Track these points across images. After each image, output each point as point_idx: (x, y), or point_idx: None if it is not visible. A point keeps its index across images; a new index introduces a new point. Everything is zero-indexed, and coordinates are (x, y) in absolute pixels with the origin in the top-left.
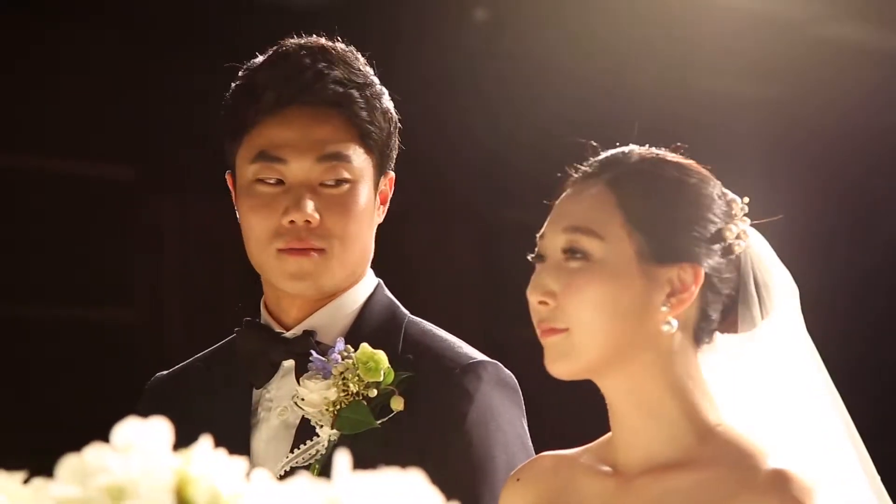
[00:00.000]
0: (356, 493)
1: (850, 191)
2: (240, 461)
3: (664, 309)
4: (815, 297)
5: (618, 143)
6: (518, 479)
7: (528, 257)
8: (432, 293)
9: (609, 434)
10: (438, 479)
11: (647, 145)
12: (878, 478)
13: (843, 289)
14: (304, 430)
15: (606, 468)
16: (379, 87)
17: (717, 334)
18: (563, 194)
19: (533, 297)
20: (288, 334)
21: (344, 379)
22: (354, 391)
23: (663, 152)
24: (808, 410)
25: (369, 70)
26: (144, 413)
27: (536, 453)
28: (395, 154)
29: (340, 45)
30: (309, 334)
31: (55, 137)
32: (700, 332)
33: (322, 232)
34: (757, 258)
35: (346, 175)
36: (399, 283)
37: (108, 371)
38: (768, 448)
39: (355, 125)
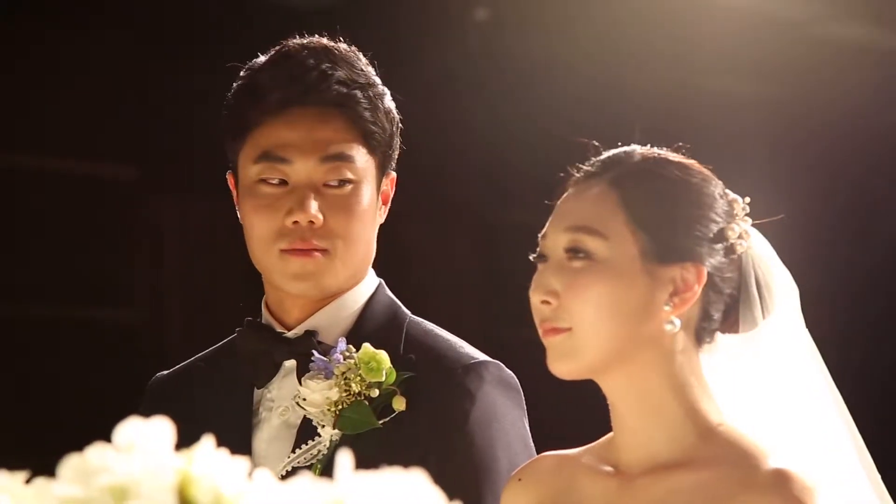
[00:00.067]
0: (359, 493)
1: (850, 191)
2: (242, 461)
3: (667, 308)
4: (815, 297)
5: (619, 143)
6: (520, 480)
7: (531, 257)
8: (432, 293)
9: (610, 434)
10: (440, 479)
11: (649, 145)
12: (879, 477)
13: (843, 289)
14: (306, 430)
15: (608, 468)
16: (381, 87)
17: (719, 334)
18: (566, 194)
19: (535, 297)
20: (289, 334)
21: (346, 379)
22: (356, 391)
23: (665, 152)
24: (808, 410)
25: (371, 70)
26: (146, 413)
27: (538, 453)
28: (396, 154)
29: (343, 46)
30: (311, 334)
31: (55, 137)
32: (702, 332)
33: (325, 232)
34: (758, 258)
35: (350, 175)
36: (399, 283)
37: (108, 371)
38: (770, 448)
39: (358, 126)
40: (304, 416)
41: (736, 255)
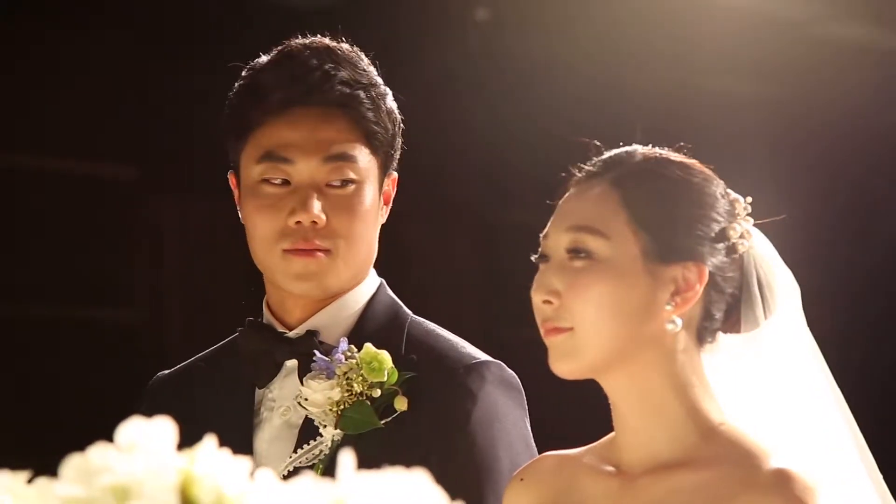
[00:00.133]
0: (361, 493)
1: (850, 191)
2: (244, 461)
3: (668, 308)
4: (816, 296)
5: (621, 143)
6: (521, 480)
7: (532, 258)
8: (432, 293)
9: (612, 434)
10: (442, 479)
11: (651, 145)
12: (881, 477)
13: (843, 289)
14: (308, 430)
15: (609, 468)
16: (383, 87)
17: (721, 334)
18: (567, 194)
19: (537, 297)
20: (291, 334)
21: (348, 379)
22: (358, 391)
23: (667, 152)
24: (810, 410)
25: (373, 71)
26: (147, 413)
27: (539, 453)
28: (398, 154)
29: (345, 46)
30: (312, 334)
31: (55, 137)
32: (703, 332)
33: (328, 232)
34: (760, 258)
35: (352, 175)
36: (399, 283)
37: (108, 371)
38: (771, 447)
39: (361, 126)
40: (306, 416)
41: (738, 255)
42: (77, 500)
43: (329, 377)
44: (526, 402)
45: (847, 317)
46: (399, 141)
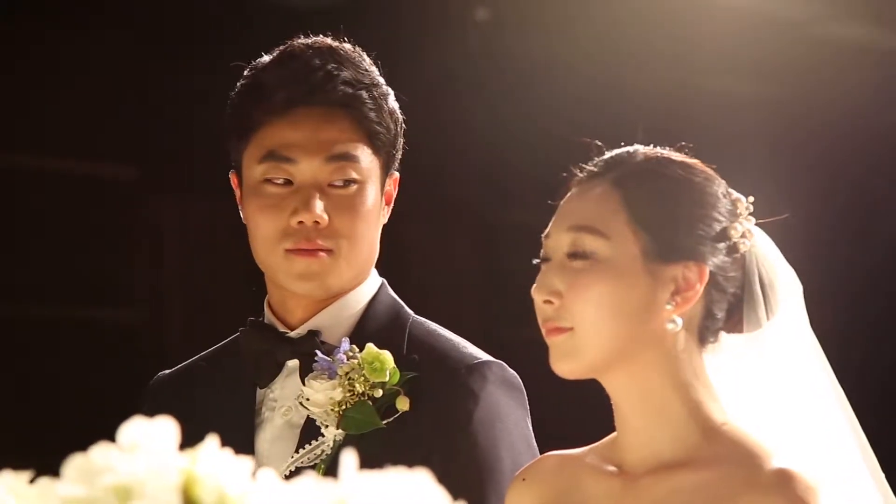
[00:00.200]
0: (362, 493)
1: (850, 191)
2: (246, 461)
3: (669, 307)
4: (816, 296)
5: (622, 143)
6: (523, 479)
7: (534, 262)
8: (432, 293)
9: (614, 434)
10: (444, 479)
11: (652, 145)
12: (883, 477)
13: (843, 289)
14: (309, 430)
15: (611, 468)
16: (385, 87)
17: (723, 334)
18: (568, 194)
19: (538, 297)
20: (292, 334)
21: (349, 379)
22: (360, 391)
23: (668, 152)
24: (812, 410)
25: (375, 71)
26: (148, 413)
27: (541, 453)
28: (400, 154)
29: (347, 46)
30: (314, 334)
31: (55, 137)
32: (705, 332)
33: (330, 232)
34: (762, 257)
35: (355, 175)
36: (399, 283)
37: (108, 371)
38: (773, 447)
39: (363, 126)
40: (308, 416)
41: (739, 254)
42: (79, 500)
43: (331, 377)
44: (527, 402)
45: (847, 317)
46: (401, 141)
